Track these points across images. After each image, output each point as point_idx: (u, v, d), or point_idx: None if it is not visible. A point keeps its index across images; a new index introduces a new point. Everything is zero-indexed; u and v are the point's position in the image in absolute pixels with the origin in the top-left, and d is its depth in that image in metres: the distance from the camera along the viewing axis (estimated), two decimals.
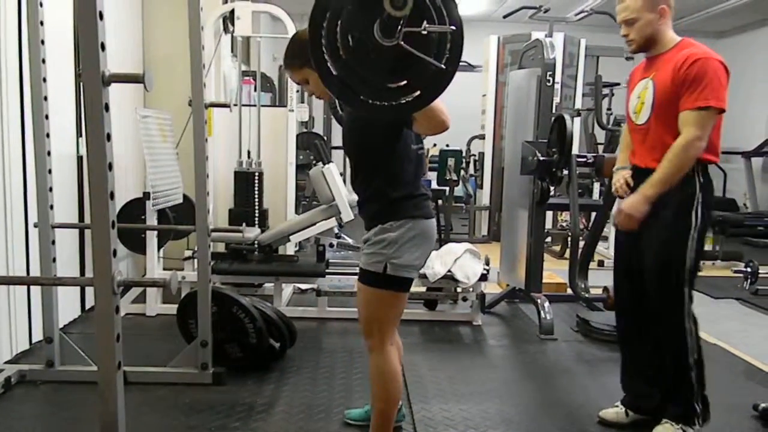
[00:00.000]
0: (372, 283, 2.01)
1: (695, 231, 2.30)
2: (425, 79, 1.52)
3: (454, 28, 1.47)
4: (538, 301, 3.82)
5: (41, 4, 2.57)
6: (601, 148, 7.05)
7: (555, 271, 4.85)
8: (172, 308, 3.25)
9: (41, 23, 2.57)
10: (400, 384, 2.14)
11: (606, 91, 7.34)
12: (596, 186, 6.40)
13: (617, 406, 2.58)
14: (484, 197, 7.07)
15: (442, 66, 1.49)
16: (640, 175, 2.41)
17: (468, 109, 7.85)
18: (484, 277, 3.79)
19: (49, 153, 2.65)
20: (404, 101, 1.56)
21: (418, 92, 1.54)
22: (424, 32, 1.45)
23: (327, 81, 1.54)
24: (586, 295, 3.92)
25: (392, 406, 2.14)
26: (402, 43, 1.45)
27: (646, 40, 2.32)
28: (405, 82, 1.53)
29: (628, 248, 2.49)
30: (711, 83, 2.16)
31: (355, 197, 2.22)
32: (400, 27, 1.44)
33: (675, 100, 2.23)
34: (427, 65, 1.49)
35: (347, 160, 2.22)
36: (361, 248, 2.10)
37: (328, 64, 1.51)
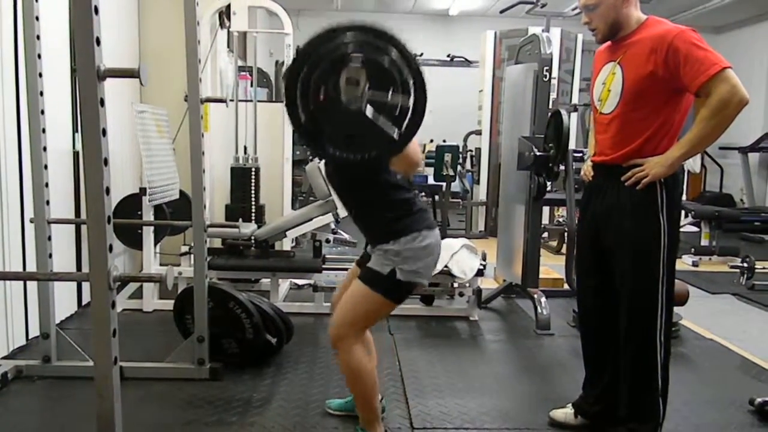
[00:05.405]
0: (373, 285, 2.03)
1: (665, 237, 2.08)
2: (381, 144, 1.72)
3: (412, 104, 1.67)
4: (535, 296, 3.82)
5: (37, 0, 2.56)
6: None
7: (551, 267, 4.87)
8: (168, 304, 3.25)
9: (37, 18, 2.56)
10: (371, 378, 2.13)
11: None
12: None
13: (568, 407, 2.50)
14: (481, 193, 7.08)
15: (395, 138, 1.69)
16: (599, 171, 2.26)
17: (465, 105, 7.88)
18: (480, 273, 3.80)
19: (45, 148, 2.65)
20: (362, 157, 1.74)
21: (375, 152, 1.74)
22: (388, 100, 1.65)
23: (297, 129, 1.72)
24: None
25: (369, 398, 2.15)
26: (364, 110, 1.65)
27: (611, 27, 2.14)
28: (363, 142, 1.72)
29: (592, 261, 2.31)
30: (705, 52, 1.97)
31: None
32: (363, 94, 1.64)
33: (649, 89, 2.05)
34: (384, 132, 1.69)
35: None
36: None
37: (299, 111, 1.68)
